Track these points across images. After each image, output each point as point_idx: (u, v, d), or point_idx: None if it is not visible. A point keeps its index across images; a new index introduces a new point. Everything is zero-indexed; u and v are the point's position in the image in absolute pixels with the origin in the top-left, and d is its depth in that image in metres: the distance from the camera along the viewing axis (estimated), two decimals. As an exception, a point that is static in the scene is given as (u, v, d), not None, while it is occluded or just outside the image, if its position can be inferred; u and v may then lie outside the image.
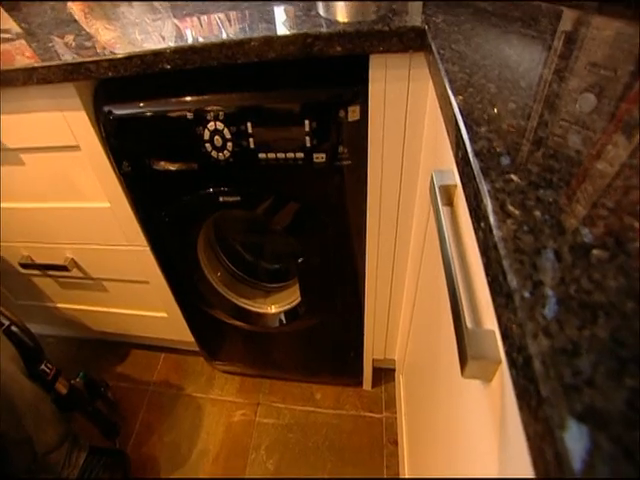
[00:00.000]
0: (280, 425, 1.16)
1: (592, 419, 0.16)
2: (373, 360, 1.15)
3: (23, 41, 0.77)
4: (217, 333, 1.15)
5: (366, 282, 0.93)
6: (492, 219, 0.27)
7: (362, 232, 0.85)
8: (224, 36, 0.63)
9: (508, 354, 0.22)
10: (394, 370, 1.20)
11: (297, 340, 1.10)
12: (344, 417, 1.16)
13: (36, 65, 0.65)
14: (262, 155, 0.72)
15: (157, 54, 0.64)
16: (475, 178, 0.31)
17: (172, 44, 0.64)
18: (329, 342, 1.10)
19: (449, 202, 0.48)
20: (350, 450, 1.09)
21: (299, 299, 0.99)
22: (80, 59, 0.65)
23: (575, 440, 0.16)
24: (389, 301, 0.98)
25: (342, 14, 0.66)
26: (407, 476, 0.89)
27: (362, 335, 1.06)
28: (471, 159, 0.33)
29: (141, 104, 0.73)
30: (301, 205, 0.80)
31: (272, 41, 0.62)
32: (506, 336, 0.22)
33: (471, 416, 0.37)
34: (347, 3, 0.70)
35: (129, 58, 0.65)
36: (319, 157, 0.71)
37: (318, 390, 1.23)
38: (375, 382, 1.22)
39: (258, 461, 1.10)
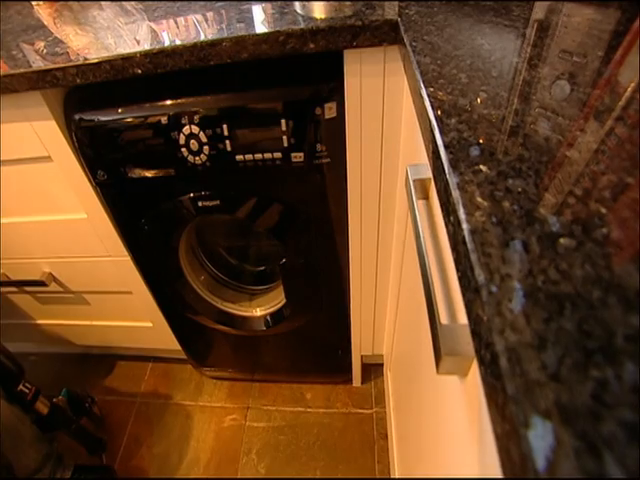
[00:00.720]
0: (271, 428, 1.15)
1: (557, 415, 0.16)
2: (362, 356, 1.15)
3: (-12, 49, 0.74)
4: (203, 339, 1.13)
5: (350, 279, 0.93)
6: (461, 212, 0.26)
7: (345, 229, 0.84)
8: (201, 37, 0.62)
9: (477, 351, 0.21)
10: (383, 365, 1.20)
11: (285, 341, 1.10)
12: (335, 415, 1.16)
13: (-1, 74, 0.63)
14: (239, 157, 0.71)
15: (127, 59, 0.62)
16: (445, 171, 0.31)
17: (147, 47, 0.62)
18: (317, 341, 1.10)
19: (425, 196, 0.48)
20: (342, 448, 1.09)
21: (284, 301, 0.98)
22: (47, 66, 0.63)
23: (539, 438, 0.15)
24: (374, 297, 0.97)
25: (319, 10, 0.65)
26: (396, 470, 0.89)
27: (349, 332, 1.06)
28: (441, 152, 0.33)
29: (113, 110, 0.71)
30: (282, 206, 0.80)
31: (244, 41, 0.61)
32: (475, 332, 0.22)
33: (451, 411, 0.36)
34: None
35: (98, 64, 0.63)
36: (297, 156, 0.70)
37: (308, 390, 1.22)
38: (365, 378, 1.22)
39: (249, 466, 1.09)
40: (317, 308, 0.98)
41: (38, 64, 0.64)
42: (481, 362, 0.21)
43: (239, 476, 1.08)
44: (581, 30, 0.52)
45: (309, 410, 1.18)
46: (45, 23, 0.86)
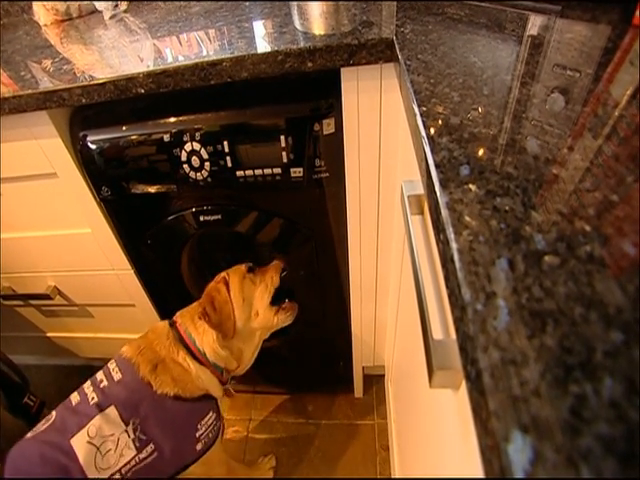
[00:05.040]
0: (273, 439, 1.15)
1: (537, 429, 0.17)
2: (363, 367, 1.15)
3: (-1, 69, 0.77)
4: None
5: (351, 291, 0.94)
6: (449, 231, 0.27)
7: (345, 242, 0.85)
8: (203, 54, 0.64)
9: (464, 367, 0.22)
10: (384, 376, 1.20)
11: (286, 353, 1.10)
12: (336, 427, 1.15)
13: (7, 95, 0.65)
14: (240, 173, 0.73)
15: (130, 79, 0.64)
16: (435, 190, 0.32)
17: (151, 66, 0.64)
18: (318, 353, 1.10)
19: (421, 211, 0.49)
20: (343, 460, 1.09)
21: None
22: (53, 87, 0.65)
23: (519, 451, 0.16)
24: (375, 309, 0.98)
25: (318, 27, 0.67)
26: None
27: (350, 343, 1.06)
28: (432, 171, 0.34)
29: (117, 128, 0.73)
30: (283, 220, 0.81)
31: (244, 60, 0.62)
32: (462, 349, 0.23)
33: (446, 423, 0.37)
34: (321, 16, 0.71)
35: (102, 84, 0.65)
36: (296, 172, 0.72)
37: (310, 402, 1.22)
38: (366, 389, 1.22)
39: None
40: (318, 319, 0.99)
41: (45, 84, 0.66)
42: (467, 378, 0.21)
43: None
44: (573, 45, 0.53)
45: (310, 422, 1.18)
46: (52, 43, 0.88)
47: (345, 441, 1.12)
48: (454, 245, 0.26)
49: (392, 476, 1.00)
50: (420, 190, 0.47)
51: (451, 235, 0.27)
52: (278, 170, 0.71)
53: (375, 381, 1.24)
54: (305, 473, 1.08)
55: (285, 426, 1.18)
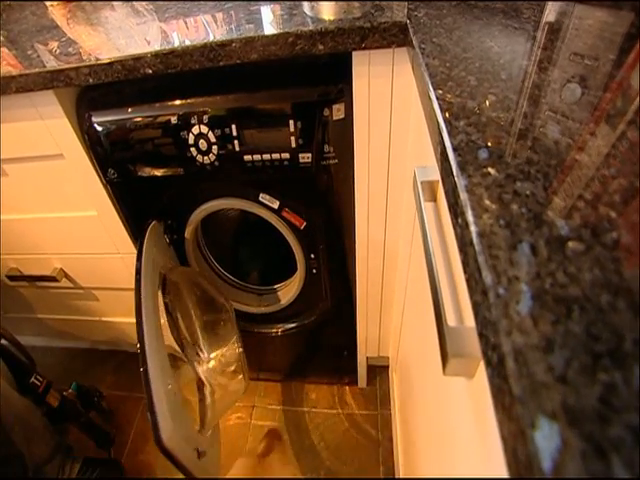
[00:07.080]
0: (275, 427, 1.15)
1: (564, 417, 0.16)
2: (367, 358, 1.14)
3: (4, 49, 0.76)
4: (211, 338, 1.14)
5: (357, 280, 0.93)
6: (469, 214, 0.26)
7: (352, 230, 0.84)
8: (211, 38, 0.63)
9: (484, 352, 0.21)
10: (388, 367, 1.20)
11: (291, 341, 1.10)
12: (339, 416, 1.16)
13: (14, 73, 0.64)
14: (247, 157, 0.72)
15: (138, 59, 0.63)
16: (453, 173, 0.31)
17: (157, 47, 0.63)
18: (323, 342, 1.10)
19: (433, 198, 0.48)
20: (346, 449, 1.09)
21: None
22: (60, 66, 0.64)
23: (546, 439, 0.15)
24: (380, 299, 0.97)
25: (327, 12, 0.66)
26: (401, 472, 0.89)
27: (355, 334, 1.06)
28: (449, 154, 0.33)
29: (124, 110, 0.72)
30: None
31: (253, 42, 0.61)
32: (482, 334, 0.22)
33: (457, 413, 0.36)
34: (332, 2, 0.69)
35: (109, 64, 0.64)
36: (305, 157, 0.71)
37: (313, 390, 1.22)
38: (370, 379, 1.22)
39: (254, 464, 1.09)
40: (323, 309, 0.99)
41: (52, 64, 0.65)
42: (488, 363, 0.21)
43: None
44: (593, 33, 0.52)
45: (314, 410, 1.18)
46: (59, 24, 0.87)
47: (348, 430, 1.12)
48: (474, 228, 0.25)
49: (395, 467, 1.00)
50: (433, 176, 0.46)
51: (471, 218, 0.26)
52: (286, 155, 0.70)
53: (379, 372, 1.24)
54: (308, 462, 1.08)
55: (288, 414, 1.18)
